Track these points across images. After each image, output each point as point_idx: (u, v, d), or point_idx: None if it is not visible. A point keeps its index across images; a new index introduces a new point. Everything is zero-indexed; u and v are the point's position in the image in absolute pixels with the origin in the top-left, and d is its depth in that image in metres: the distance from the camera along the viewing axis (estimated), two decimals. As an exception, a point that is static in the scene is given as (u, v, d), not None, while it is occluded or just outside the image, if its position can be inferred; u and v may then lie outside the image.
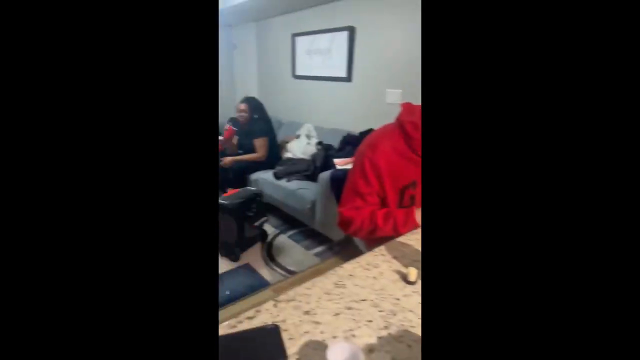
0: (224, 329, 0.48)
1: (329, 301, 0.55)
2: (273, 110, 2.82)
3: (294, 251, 1.96)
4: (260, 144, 2.45)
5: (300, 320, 0.50)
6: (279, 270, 1.76)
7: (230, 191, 1.94)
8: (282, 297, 0.56)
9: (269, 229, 2.15)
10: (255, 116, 2.51)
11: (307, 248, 2.00)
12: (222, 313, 1.42)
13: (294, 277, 1.74)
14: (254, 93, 3.40)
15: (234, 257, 1.80)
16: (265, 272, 1.73)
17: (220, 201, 1.76)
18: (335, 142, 2.40)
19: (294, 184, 2.16)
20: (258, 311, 0.52)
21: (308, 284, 0.60)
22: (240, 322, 0.50)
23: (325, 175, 1.83)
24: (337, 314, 0.52)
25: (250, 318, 0.50)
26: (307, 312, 0.52)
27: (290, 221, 2.30)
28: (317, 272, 1.90)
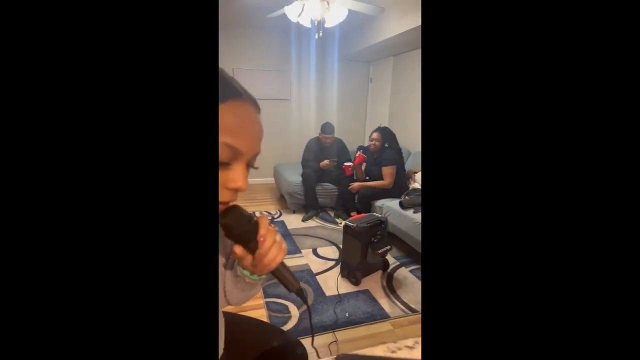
0: (381, 350, 0.47)
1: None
2: (402, 140, 2.81)
3: (415, 287, 1.83)
4: (388, 172, 2.46)
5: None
6: (399, 304, 1.67)
7: (356, 215, 2.00)
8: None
9: (390, 259, 2.08)
10: (386, 145, 2.56)
11: (431, 288, 1.83)
12: (342, 334, 1.44)
13: (415, 315, 1.61)
14: (384, 123, 3.49)
15: (355, 281, 1.81)
16: (385, 303, 1.67)
17: (348, 223, 1.83)
18: (472, 176, 2.18)
19: (420, 216, 2.05)
20: (417, 343, 0.49)
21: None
22: (400, 349, 0.48)
23: (461, 210, 1.66)
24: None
25: (409, 347, 0.48)
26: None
27: (412, 255, 2.17)
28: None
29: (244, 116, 0.36)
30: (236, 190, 0.37)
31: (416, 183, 2.53)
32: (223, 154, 0.34)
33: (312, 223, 2.77)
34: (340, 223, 2.68)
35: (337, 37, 3.29)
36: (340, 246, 2.20)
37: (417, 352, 0.47)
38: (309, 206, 2.89)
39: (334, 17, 1.96)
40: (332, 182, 2.94)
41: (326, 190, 2.96)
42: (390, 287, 1.83)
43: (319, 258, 2.14)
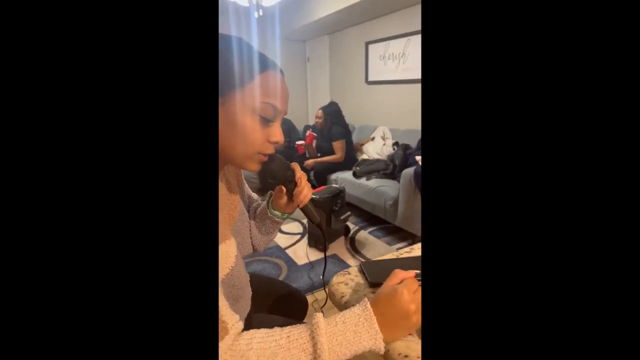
0: (392, 256, 0.58)
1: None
2: (346, 116, 2.97)
3: (376, 245, 2.03)
4: (339, 146, 2.60)
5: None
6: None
7: (315, 189, 2.11)
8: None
9: (350, 225, 2.26)
10: (333, 121, 2.69)
11: (389, 244, 2.05)
12: (320, 294, 1.56)
13: (380, 268, 1.81)
14: (326, 101, 3.62)
15: (322, 248, 1.94)
16: (352, 262, 1.83)
17: (312, 195, 1.93)
18: (412, 142, 2.44)
19: (373, 182, 2.25)
20: (412, 248, 0.61)
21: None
22: (401, 254, 0.60)
23: (409, 171, 1.89)
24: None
25: (407, 252, 0.60)
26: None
27: (369, 219, 2.38)
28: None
29: (279, 82, 0.44)
30: (275, 144, 0.46)
31: (365, 154, 2.73)
32: (269, 113, 0.43)
33: (270, 204, 2.80)
34: (298, 200, 2.77)
35: (277, 16, 3.24)
36: (302, 221, 2.30)
37: (416, 251, 0.59)
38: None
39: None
40: (285, 162, 2.99)
41: (279, 171, 2.99)
42: (354, 248, 2.01)
43: (285, 234, 2.22)
